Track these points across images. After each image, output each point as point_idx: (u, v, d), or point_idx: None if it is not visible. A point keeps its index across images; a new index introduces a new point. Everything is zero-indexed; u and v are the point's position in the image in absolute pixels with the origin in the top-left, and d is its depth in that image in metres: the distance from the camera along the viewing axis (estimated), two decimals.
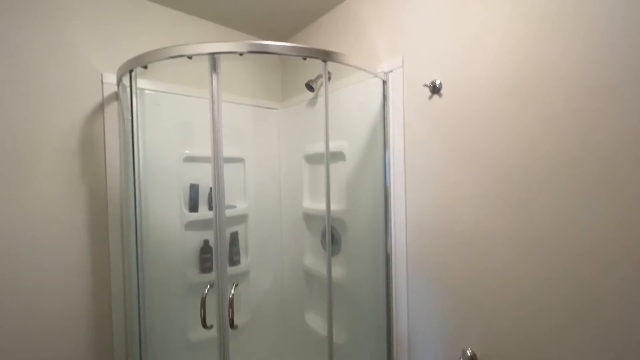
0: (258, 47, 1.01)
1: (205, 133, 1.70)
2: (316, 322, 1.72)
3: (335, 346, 1.56)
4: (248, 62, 1.88)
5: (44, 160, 1.26)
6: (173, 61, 1.03)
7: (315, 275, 1.71)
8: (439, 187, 1.20)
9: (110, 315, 1.39)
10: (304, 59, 1.08)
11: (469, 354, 1.12)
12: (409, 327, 1.32)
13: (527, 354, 0.98)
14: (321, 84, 1.69)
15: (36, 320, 1.23)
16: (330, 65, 1.59)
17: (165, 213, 1.54)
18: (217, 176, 1.02)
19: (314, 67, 1.71)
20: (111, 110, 1.40)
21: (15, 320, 1.19)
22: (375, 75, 1.34)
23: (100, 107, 1.39)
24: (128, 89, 1.40)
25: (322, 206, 1.68)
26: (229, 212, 1.74)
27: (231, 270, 1.75)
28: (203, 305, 1.02)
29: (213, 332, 1.58)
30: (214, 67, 0.99)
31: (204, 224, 1.68)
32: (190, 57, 1.00)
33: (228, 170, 1.79)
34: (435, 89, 1.19)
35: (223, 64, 1.73)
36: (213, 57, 0.98)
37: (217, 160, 1.01)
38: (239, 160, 1.81)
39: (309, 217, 1.80)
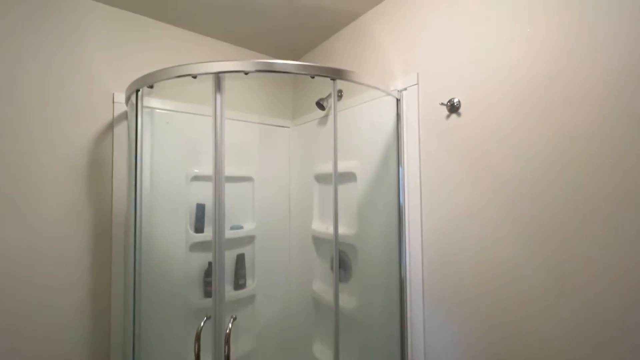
0: (264, 66, 0.97)
1: (214, 152, 1.69)
2: (324, 353, 1.60)
3: None
4: (259, 80, 1.86)
5: (53, 177, 1.25)
6: (179, 80, 1.01)
7: (324, 303, 1.60)
8: (458, 210, 1.09)
9: (109, 339, 1.33)
10: (312, 77, 1.03)
11: None
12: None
13: None
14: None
15: (34, 339, 1.18)
16: (342, 83, 1.55)
17: (170, 233, 1.50)
18: (218, 196, 0.96)
19: (326, 84, 1.66)
20: (121, 130, 1.40)
21: (14, 338, 1.15)
22: (389, 94, 1.28)
23: (110, 127, 1.38)
24: (139, 108, 1.40)
25: (332, 229, 1.59)
26: (235, 233, 1.68)
27: (236, 294, 1.67)
28: (198, 339, 0.94)
29: None
30: (218, 87, 0.95)
31: (209, 246, 1.62)
32: (195, 77, 0.97)
33: (236, 189, 1.75)
34: (453, 108, 1.11)
35: (233, 82, 1.71)
36: (217, 76, 0.95)
37: (219, 180, 0.96)
38: (248, 179, 1.77)
39: (318, 241, 1.71)
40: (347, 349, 1.53)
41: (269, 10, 1.48)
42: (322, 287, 1.68)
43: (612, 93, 0.78)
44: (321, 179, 1.72)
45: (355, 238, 1.46)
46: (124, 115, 1.41)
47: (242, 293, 1.69)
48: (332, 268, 1.61)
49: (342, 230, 1.54)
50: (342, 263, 1.57)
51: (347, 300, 1.49)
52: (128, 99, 1.20)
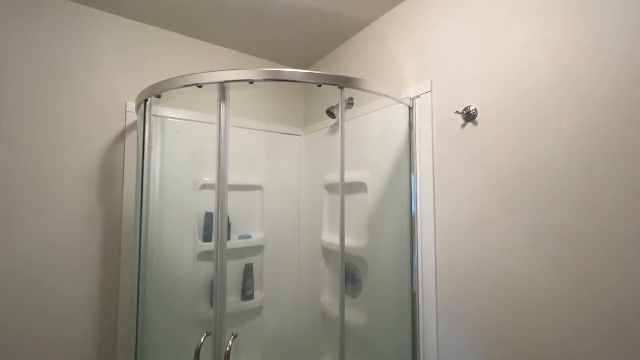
0: (270, 75, 0.95)
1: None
2: None
3: None
4: (269, 88, 1.85)
5: (66, 185, 1.27)
6: (185, 90, 1.00)
7: (333, 317, 1.54)
8: (474, 221, 1.02)
9: (115, 345, 1.33)
10: (319, 85, 1.00)
11: None
12: None
13: None
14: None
15: (43, 344, 1.19)
16: (352, 91, 1.51)
17: (179, 241, 1.49)
18: (221, 206, 0.94)
19: (337, 92, 1.63)
20: (132, 139, 1.41)
21: (21, 343, 1.16)
22: (400, 102, 1.23)
23: (122, 136, 1.40)
24: (147, 117, 1.42)
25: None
26: (243, 242, 1.66)
27: (244, 305, 1.64)
28: (197, 356, 0.91)
29: None
30: (222, 96, 0.93)
31: None
32: (200, 86, 0.96)
33: (245, 198, 1.74)
34: (469, 116, 1.04)
35: (244, 91, 1.71)
36: (222, 85, 0.93)
37: (222, 189, 0.94)
38: (257, 187, 1.75)
39: (327, 252, 1.66)
40: None
41: (280, 19, 1.47)
42: (330, 300, 1.62)
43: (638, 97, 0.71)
44: (331, 188, 1.68)
45: (365, 251, 1.40)
46: (136, 125, 1.42)
47: (249, 304, 1.65)
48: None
49: (351, 242, 1.48)
50: (351, 277, 1.51)
51: (357, 316, 1.43)
52: (138, 108, 1.21)
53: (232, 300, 1.64)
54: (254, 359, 1.65)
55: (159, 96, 1.08)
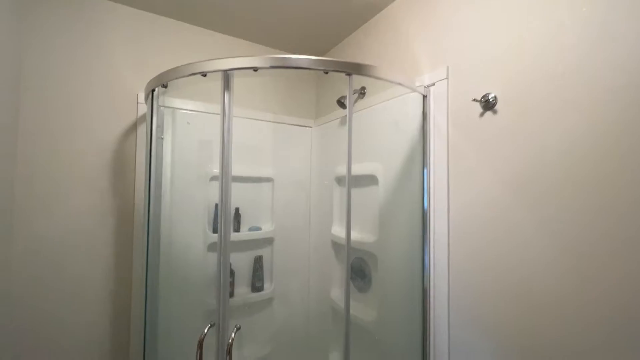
0: (274, 62, 0.91)
1: (233, 152, 1.67)
2: None
3: None
4: (279, 78, 1.82)
5: (79, 177, 1.30)
6: (191, 79, 0.98)
7: (342, 313, 1.51)
8: (491, 219, 0.95)
9: (129, 331, 1.37)
10: (326, 72, 0.95)
11: None
12: None
13: None
14: (355, 100, 1.55)
15: (58, 328, 1.24)
16: (363, 80, 1.44)
17: (189, 233, 1.51)
18: (224, 196, 0.92)
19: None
20: (144, 130, 1.42)
21: (38, 327, 1.21)
22: (414, 90, 1.16)
23: (134, 127, 1.42)
24: (159, 108, 1.42)
25: (353, 235, 1.50)
26: (253, 234, 1.66)
27: (253, 296, 1.65)
28: (200, 346, 0.91)
29: None
30: (227, 85, 0.91)
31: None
32: (204, 75, 0.94)
33: (255, 190, 1.73)
34: (488, 105, 0.97)
35: (253, 80, 1.69)
36: (226, 74, 0.91)
37: (225, 181, 0.92)
38: (267, 180, 1.73)
39: (337, 246, 1.63)
40: None
41: (290, 6, 1.43)
42: (340, 295, 1.60)
43: None
44: (342, 181, 1.63)
45: (375, 245, 1.36)
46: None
47: (259, 295, 1.66)
48: (350, 276, 1.52)
49: (361, 237, 1.44)
50: (360, 272, 1.47)
51: (366, 312, 1.40)
52: (146, 98, 1.21)
53: (242, 291, 1.64)
54: (263, 350, 1.66)
55: (165, 86, 1.07)
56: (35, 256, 1.21)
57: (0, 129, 1.06)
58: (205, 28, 1.61)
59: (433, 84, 1.14)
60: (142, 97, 1.41)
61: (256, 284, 1.66)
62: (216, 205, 1.59)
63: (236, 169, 1.62)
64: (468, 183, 1.02)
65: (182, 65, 0.96)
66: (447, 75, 1.10)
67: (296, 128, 1.83)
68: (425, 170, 1.16)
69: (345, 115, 1.60)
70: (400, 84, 1.09)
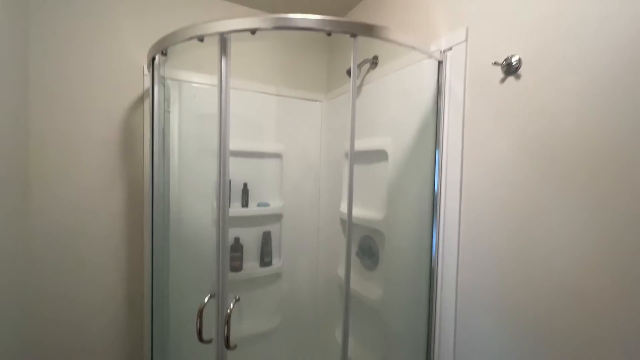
0: (273, 22, 0.85)
1: (241, 126, 1.64)
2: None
3: None
4: (289, 49, 1.74)
5: (89, 150, 1.32)
6: (190, 46, 0.94)
7: (352, 293, 1.50)
8: (508, 196, 0.87)
9: (142, 300, 1.42)
10: (329, 34, 0.88)
11: None
12: None
13: None
14: (367, 71, 1.46)
15: (72, 300, 1.31)
16: (375, 47, 1.35)
17: (198, 207, 1.51)
18: (222, 172, 0.89)
19: (362, 50, 1.48)
20: (157, 107, 1.41)
21: (55, 298, 1.28)
22: (430, 55, 1.06)
23: (141, 100, 1.41)
24: (166, 81, 1.40)
25: (361, 212, 1.46)
26: (261, 210, 1.65)
27: (261, 271, 1.66)
28: (200, 315, 0.92)
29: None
30: (223, 49, 0.86)
31: (235, 221, 1.62)
32: (201, 39, 0.89)
33: (264, 165, 1.70)
34: (510, 69, 0.86)
35: (261, 52, 1.62)
36: (222, 37, 0.85)
37: (223, 155, 0.89)
38: (276, 156, 1.70)
39: (346, 224, 1.59)
40: (369, 343, 1.42)
41: None
42: None
43: None
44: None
45: (383, 223, 1.31)
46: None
47: (267, 270, 1.67)
48: (357, 254, 1.49)
49: (369, 214, 1.40)
50: (368, 250, 1.44)
51: (373, 290, 1.37)
52: (148, 68, 1.19)
53: (251, 265, 1.66)
54: (271, 323, 1.69)
55: (165, 53, 1.04)
56: (54, 223, 1.26)
57: (13, 104, 1.07)
58: None
59: (450, 49, 1.03)
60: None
61: (265, 259, 1.67)
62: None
63: (243, 144, 1.62)
64: (484, 156, 0.94)
65: (178, 30, 0.91)
66: (466, 37, 0.99)
67: (305, 102, 1.76)
68: (437, 143, 1.08)
69: (356, 87, 1.52)
70: (413, 47, 0.99)
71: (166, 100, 1.42)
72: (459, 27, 1.02)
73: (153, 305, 1.23)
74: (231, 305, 0.88)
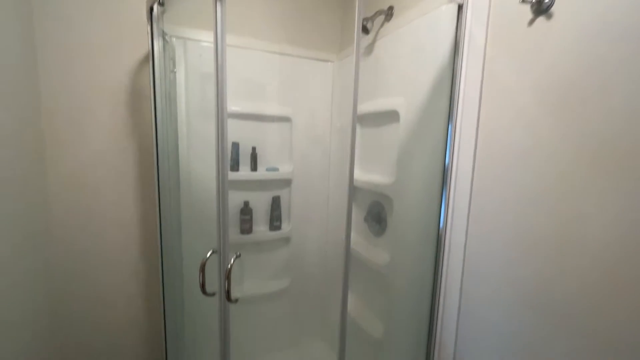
0: None
1: (248, 88, 1.59)
2: (353, 306, 1.54)
3: (369, 339, 1.36)
4: (299, 4, 1.62)
5: (97, 111, 1.33)
6: None
7: (356, 256, 1.49)
8: (528, 156, 0.79)
9: (159, 260, 1.49)
10: None
11: None
12: (457, 347, 1.01)
13: None
14: (381, 24, 1.34)
15: (89, 254, 1.39)
16: None
17: (207, 171, 1.52)
18: (221, 135, 0.87)
19: (376, 2, 1.36)
20: (158, 63, 1.38)
21: (73, 257, 1.36)
22: (450, 0, 0.95)
23: (147, 59, 1.38)
24: (170, 39, 1.36)
25: (371, 177, 1.41)
26: (270, 175, 1.64)
27: (271, 235, 1.68)
28: (202, 269, 0.94)
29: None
30: None
31: (244, 185, 1.63)
32: None
33: (273, 129, 1.66)
34: (541, 7, 0.75)
35: (267, 3, 1.51)
36: None
37: (221, 117, 0.86)
38: (286, 119, 1.65)
39: (356, 190, 1.55)
40: (375, 308, 1.43)
41: None
42: (356, 239, 1.56)
43: None
44: (363, 120, 1.50)
45: (392, 188, 1.26)
46: (161, 47, 1.38)
47: (276, 234, 1.69)
48: (365, 220, 1.46)
49: (378, 179, 1.35)
50: (376, 216, 1.40)
51: (380, 256, 1.36)
52: (148, 21, 1.14)
53: (260, 229, 1.68)
54: (280, 285, 1.74)
55: (162, 3, 0.99)
56: (72, 185, 1.31)
57: (21, 62, 1.08)
58: None
59: None
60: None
61: (274, 223, 1.69)
62: (233, 143, 1.58)
63: (251, 107, 1.58)
64: (504, 108, 0.85)
65: None
66: None
67: (316, 63, 1.67)
68: (452, 102, 0.99)
69: (368, 45, 1.41)
70: None
71: (171, 59, 1.39)
72: None
73: (163, 262, 1.28)
74: (232, 261, 0.89)
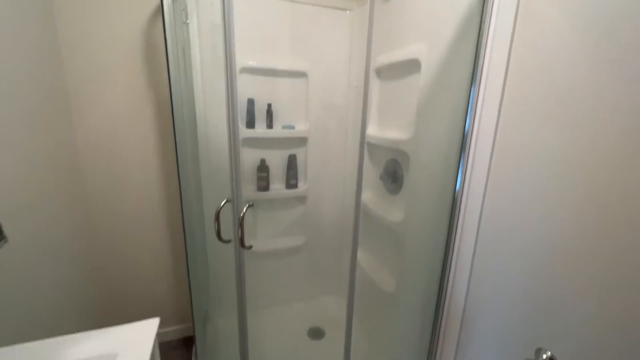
0: None
1: (263, 42, 1.53)
2: (367, 262, 1.57)
3: (381, 294, 1.40)
4: None
5: (114, 67, 1.35)
6: None
7: (371, 214, 1.49)
8: (560, 108, 0.72)
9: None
10: None
11: (545, 358, 0.78)
12: (467, 301, 1.01)
13: None
14: None
15: (123, 189, 1.48)
16: None
17: (222, 128, 1.53)
18: (231, 90, 0.85)
19: None
20: (169, 16, 1.35)
21: (100, 198, 1.46)
22: None
23: (159, 11, 1.36)
24: None
25: (389, 134, 1.36)
26: (286, 133, 1.62)
27: (287, 193, 1.71)
28: (217, 217, 0.98)
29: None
30: None
31: (260, 142, 1.63)
32: None
33: (288, 85, 1.62)
34: None
35: None
36: None
37: (230, 72, 0.84)
38: (301, 75, 1.60)
39: (372, 147, 1.52)
40: (388, 265, 1.45)
41: None
42: (371, 197, 1.55)
43: None
44: (382, 72, 1.42)
45: (409, 144, 1.21)
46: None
47: (293, 192, 1.71)
48: (381, 177, 1.44)
49: (395, 134, 1.30)
50: (393, 174, 1.37)
51: (394, 214, 1.35)
52: None
53: (277, 187, 1.71)
54: (296, 241, 1.79)
55: None
56: (93, 146, 1.38)
57: (43, 26, 1.09)
58: None
59: None
60: None
61: (290, 182, 1.70)
62: (249, 100, 1.56)
63: (265, 61, 1.53)
64: (539, 51, 0.76)
65: None
66: None
67: (333, 12, 1.56)
68: (478, 48, 0.90)
69: None
70: None
71: (183, 10, 1.35)
72: None
73: (184, 215, 1.34)
74: (244, 209, 0.91)
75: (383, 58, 1.34)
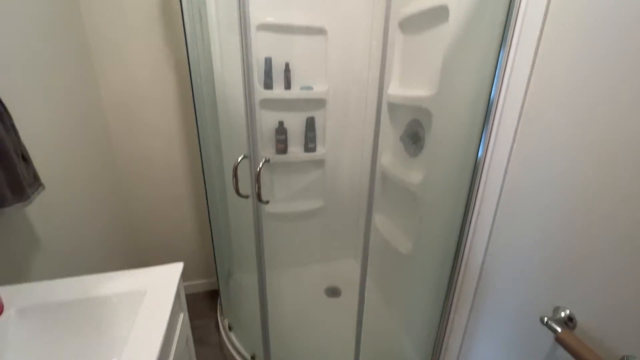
0: None
1: None
2: (383, 225, 1.58)
3: (398, 255, 1.41)
4: None
5: (135, 30, 1.35)
6: None
7: (390, 178, 1.47)
8: (605, 68, 0.64)
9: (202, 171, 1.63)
10: None
11: (564, 316, 0.76)
12: (485, 261, 1.00)
13: None
14: None
15: (144, 160, 1.55)
16: None
17: (239, 87, 1.52)
18: (246, 47, 0.83)
19: None
20: None
21: (129, 156, 1.53)
22: None
23: None
24: None
25: (411, 92, 1.30)
26: (304, 94, 1.59)
27: (305, 156, 1.71)
28: (235, 173, 1.00)
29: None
30: None
31: (278, 104, 1.61)
32: None
33: (305, 43, 1.56)
34: None
35: None
36: None
37: (245, 30, 0.81)
38: (320, 32, 1.52)
39: (393, 107, 1.46)
40: (405, 227, 1.45)
41: None
42: (391, 159, 1.52)
43: None
44: (406, 26, 1.32)
45: (432, 101, 1.15)
46: None
47: (311, 156, 1.71)
48: (401, 139, 1.40)
49: (417, 92, 1.23)
50: (414, 135, 1.32)
51: (413, 176, 1.32)
52: None
53: (295, 150, 1.71)
54: (314, 204, 1.82)
55: None
56: (118, 104, 1.42)
57: None
58: None
59: None
60: None
61: (308, 145, 1.69)
62: (266, 59, 1.53)
63: (282, 16, 1.47)
64: (582, 11, 0.67)
65: None
66: None
67: None
68: None
69: None
70: None
71: None
72: None
73: (204, 169, 1.38)
74: (260, 164, 0.93)
75: (407, 9, 1.24)
